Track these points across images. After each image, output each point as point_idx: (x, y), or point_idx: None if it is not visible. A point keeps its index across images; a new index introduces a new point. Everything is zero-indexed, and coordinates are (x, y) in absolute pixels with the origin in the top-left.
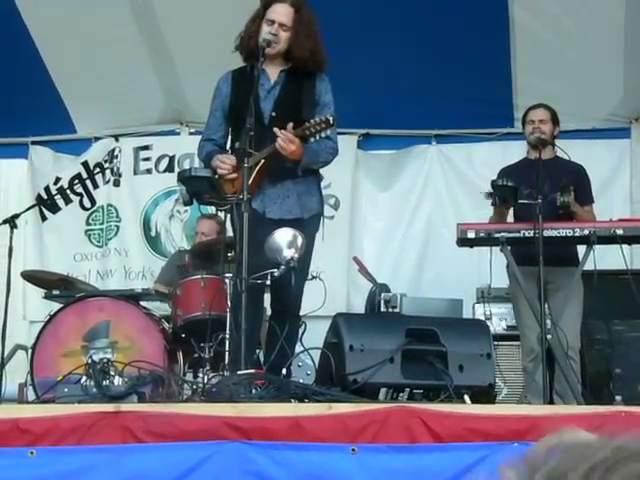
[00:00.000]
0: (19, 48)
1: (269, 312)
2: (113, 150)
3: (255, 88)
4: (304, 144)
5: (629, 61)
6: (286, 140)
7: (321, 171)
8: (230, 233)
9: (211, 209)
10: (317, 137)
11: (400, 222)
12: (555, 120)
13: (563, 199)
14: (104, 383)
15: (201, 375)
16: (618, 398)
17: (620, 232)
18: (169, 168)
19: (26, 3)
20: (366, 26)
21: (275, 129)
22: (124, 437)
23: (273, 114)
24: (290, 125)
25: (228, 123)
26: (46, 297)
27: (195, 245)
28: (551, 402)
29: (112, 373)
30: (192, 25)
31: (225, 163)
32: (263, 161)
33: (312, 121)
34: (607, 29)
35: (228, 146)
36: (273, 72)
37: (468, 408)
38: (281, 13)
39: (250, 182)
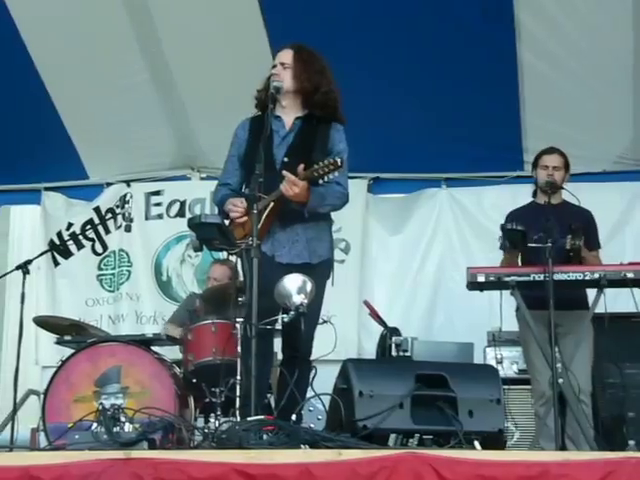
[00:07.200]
0: (32, 95)
1: (280, 357)
2: (125, 195)
3: (265, 134)
4: (312, 187)
5: (639, 103)
6: (289, 183)
7: (332, 215)
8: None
9: (223, 254)
10: (325, 179)
11: (411, 266)
12: (567, 166)
13: (574, 242)
14: (114, 430)
15: (212, 420)
16: (631, 443)
17: (631, 275)
18: (180, 213)
19: (40, 51)
20: (375, 70)
21: (284, 172)
22: None
23: (285, 159)
24: (301, 167)
25: (243, 169)
26: (58, 342)
27: (206, 290)
28: (563, 447)
29: (122, 419)
30: (204, 72)
31: (237, 206)
32: (272, 205)
33: (320, 163)
34: (616, 71)
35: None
36: (289, 120)
37: (478, 454)
38: (282, 55)
39: (260, 226)
